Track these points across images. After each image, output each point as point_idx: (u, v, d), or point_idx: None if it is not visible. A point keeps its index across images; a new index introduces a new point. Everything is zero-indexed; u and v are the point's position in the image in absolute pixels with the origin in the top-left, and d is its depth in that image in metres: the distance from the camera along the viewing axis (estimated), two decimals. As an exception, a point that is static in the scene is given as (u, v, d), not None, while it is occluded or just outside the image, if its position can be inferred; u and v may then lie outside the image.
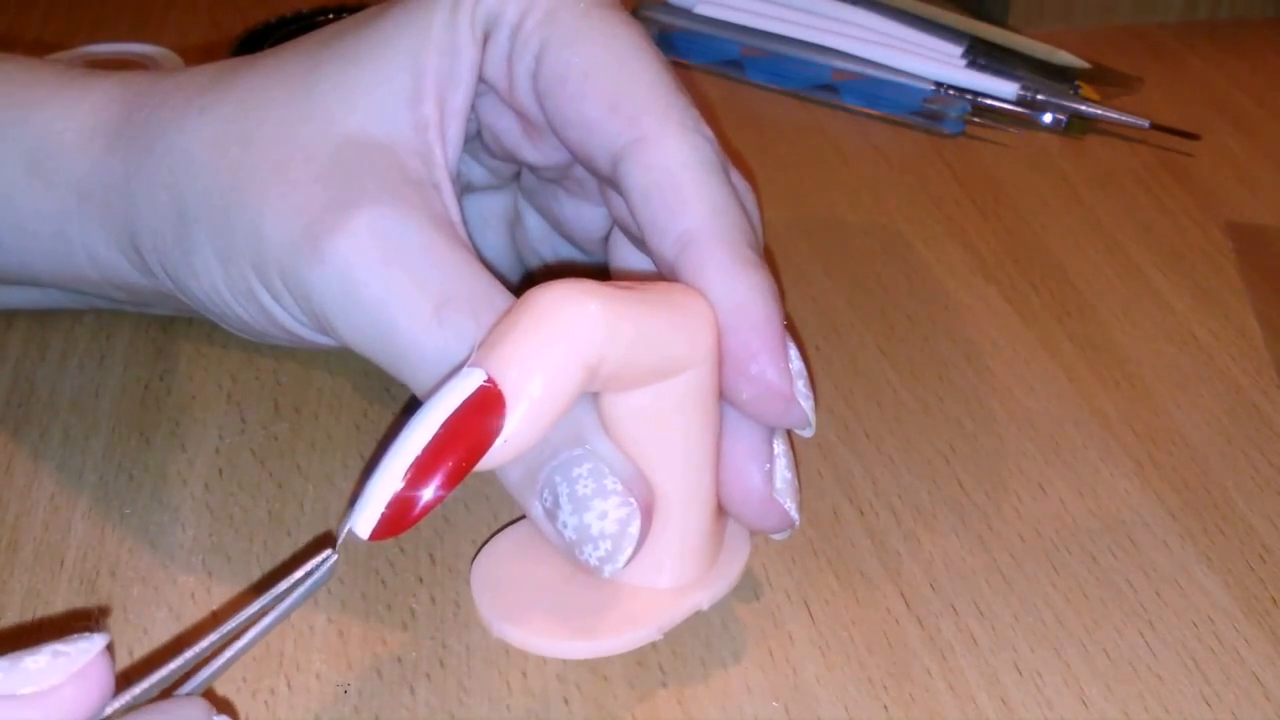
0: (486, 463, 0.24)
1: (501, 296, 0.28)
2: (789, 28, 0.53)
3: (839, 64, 0.52)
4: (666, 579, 0.29)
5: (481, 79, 0.31)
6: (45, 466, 0.34)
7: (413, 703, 0.28)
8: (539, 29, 0.30)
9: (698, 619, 0.30)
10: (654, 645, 0.29)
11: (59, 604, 0.30)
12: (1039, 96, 0.50)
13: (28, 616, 0.30)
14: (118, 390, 0.37)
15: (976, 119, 0.50)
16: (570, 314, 0.25)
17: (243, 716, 0.28)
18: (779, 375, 0.28)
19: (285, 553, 0.31)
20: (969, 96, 0.50)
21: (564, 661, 0.29)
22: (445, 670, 0.29)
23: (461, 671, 0.29)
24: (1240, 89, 0.53)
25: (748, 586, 0.31)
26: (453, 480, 0.24)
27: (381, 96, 0.30)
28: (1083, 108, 0.50)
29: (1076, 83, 0.51)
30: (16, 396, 0.36)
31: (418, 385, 0.28)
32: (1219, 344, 0.39)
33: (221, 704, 0.27)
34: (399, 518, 0.24)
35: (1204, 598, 0.30)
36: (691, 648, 0.29)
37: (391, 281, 0.28)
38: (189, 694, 0.24)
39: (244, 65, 0.32)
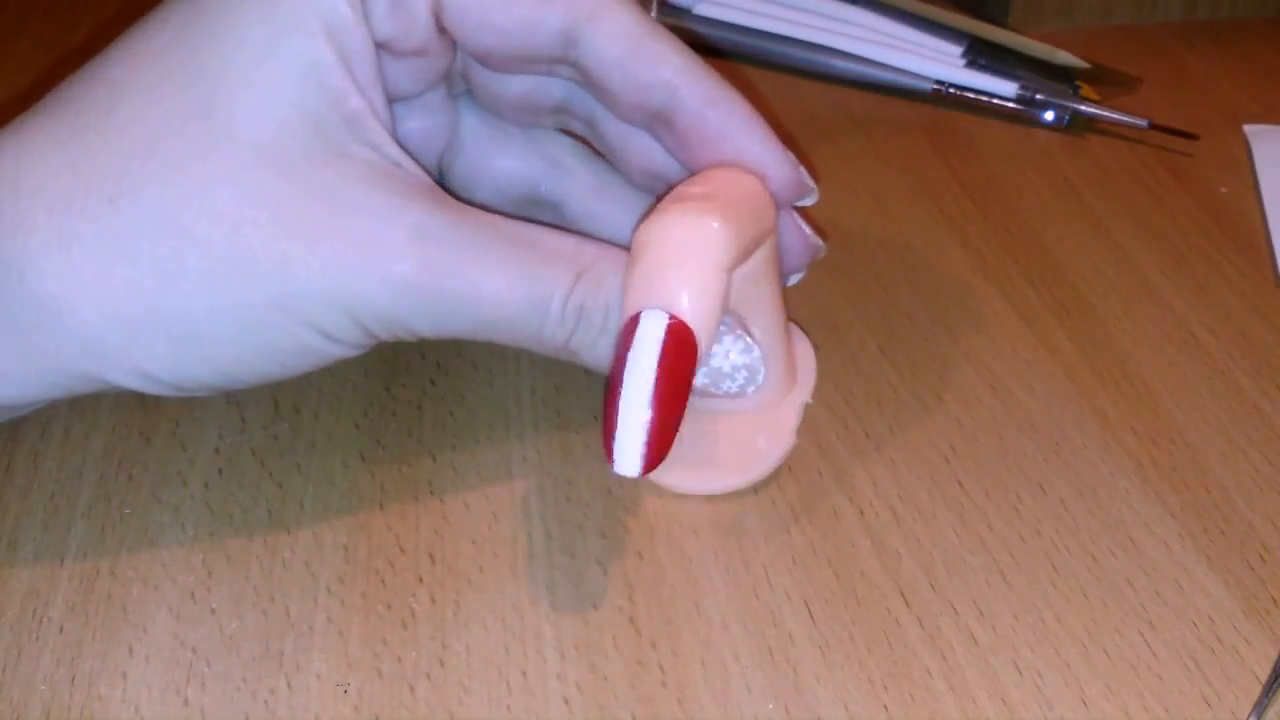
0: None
1: (554, 237, 0.31)
2: (789, 28, 0.53)
3: (839, 64, 0.52)
4: (774, 400, 0.35)
5: (380, 45, 0.30)
6: (45, 466, 0.34)
7: (413, 703, 0.28)
8: None
9: (697, 618, 0.30)
10: (654, 645, 0.29)
11: (59, 603, 0.30)
12: (1039, 96, 0.50)
13: (28, 616, 0.30)
14: (118, 390, 0.37)
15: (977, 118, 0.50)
16: (705, 235, 0.29)
17: (243, 716, 0.28)
18: (790, 168, 0.33)
19: (285, 552, 0.31)
20: (969, 96, 0.50)
21: (563, 661, 0.29)
22: (445, 670, 0.29)
23: (461, 671, 0.29)
24: (1240, 89, 0.53)
25: (748, 586, 0.31)
26: (683, 401, 0.29)
27: (302, 112, 0.29)
28: (1083, 107, 0.50)
29: (1076, 82, 0.51)
30: (16, 396, 0.36)
31: (511, 339, 0.31)
32: (1219, 344, 0.39)
33: None
34: (660, 447, 0.28)
35: (1204, 598, 0.30)
36: (691, 648, 0.29)
37: (458, 272, 0.30)
38: None
39: (101, 83, 0.30)
